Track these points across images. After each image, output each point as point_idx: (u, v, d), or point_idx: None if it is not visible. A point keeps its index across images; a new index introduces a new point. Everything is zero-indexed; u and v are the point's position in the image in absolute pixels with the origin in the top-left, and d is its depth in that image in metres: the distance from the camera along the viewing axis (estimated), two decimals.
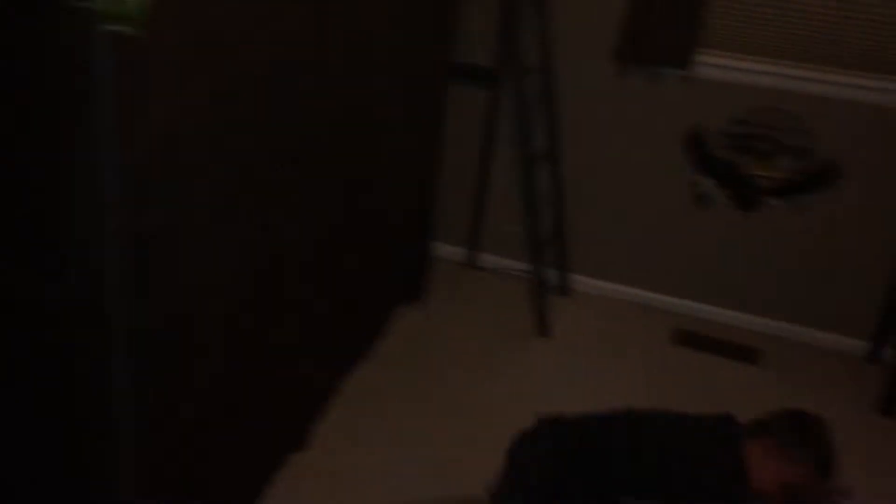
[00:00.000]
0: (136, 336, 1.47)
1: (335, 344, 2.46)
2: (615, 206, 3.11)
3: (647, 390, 2.68)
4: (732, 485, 1.80)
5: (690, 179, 2.95)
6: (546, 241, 3.08)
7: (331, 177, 2.18)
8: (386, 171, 2.51)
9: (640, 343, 2.95)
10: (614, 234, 3.16)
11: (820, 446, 1.79)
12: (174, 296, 1.58)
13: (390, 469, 2.14)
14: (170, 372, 1.64)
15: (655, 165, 2.99)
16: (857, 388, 2.79)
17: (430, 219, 3.04)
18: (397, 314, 2.94)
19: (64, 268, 1.41)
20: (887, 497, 2.29)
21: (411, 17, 2.39)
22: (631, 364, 2.83)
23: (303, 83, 1.87)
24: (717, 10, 2.73)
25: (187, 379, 1.71)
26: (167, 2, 1.27)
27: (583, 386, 2.65)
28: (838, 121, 2.72)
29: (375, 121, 2.33)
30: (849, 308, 2.95)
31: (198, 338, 1.71)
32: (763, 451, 1.79)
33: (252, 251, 1.83)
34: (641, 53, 2.75)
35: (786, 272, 2.98)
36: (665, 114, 2.90)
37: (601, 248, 3.20)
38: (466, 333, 2.92)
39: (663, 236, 3.09)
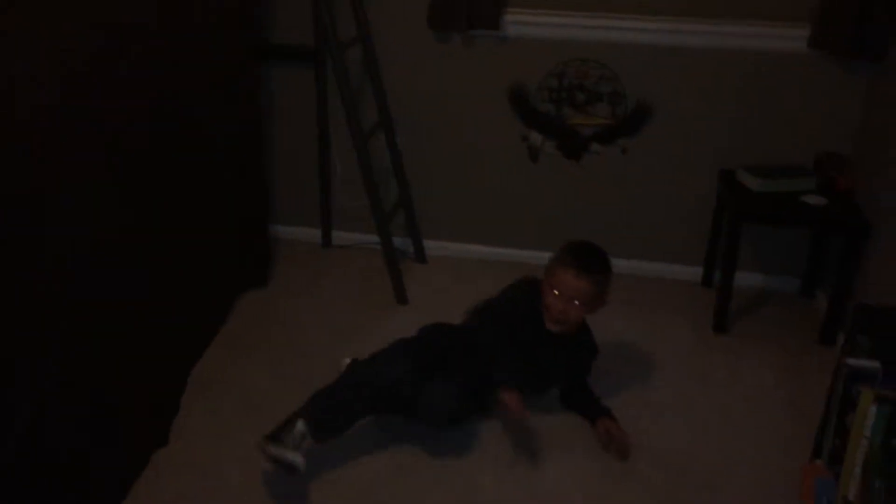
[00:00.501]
0: None
1: (176, 338, 2.45)
2: (455, 168, 3.21)
3: None
4: (532, 322, 2.27)
5: (521, 134, 3.09)
6: (392, 212, 3.15)
7: (149, 173, 2.17)
8: (206, 161, 2.51)
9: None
10: (458, 196, 3.26)
11: (580, 252, 2.24)
12: None
13: (250, 450, 2.17)
14: None
15: (486, 125, 3.10)
16: (693, 311, 2.99)
17: (266, 202, 3.06)
18: (244, 300, 2.96)
19: None
20: (719, 405, 2.49)
21: (205, 5, 2.40)
22: None
23: (101, 78, 1.86)
24: None
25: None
26: None
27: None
28: (645, 64, 2.90)
29: (187, 111, 2.33)
30: (681, 238, 3.16)
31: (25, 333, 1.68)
32: (544, 280, 2.28)
33: (69, 247, 1.82)
34: (451, 19, 2.84)
35: (620, 212, 3.16)
36: (486, 74, 3.01)
37: (448, 211, 3.29)
38: (324, 310, 2.95)
39: (504, 192, 3.21)
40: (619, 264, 3.24)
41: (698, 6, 2.83)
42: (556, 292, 2.22)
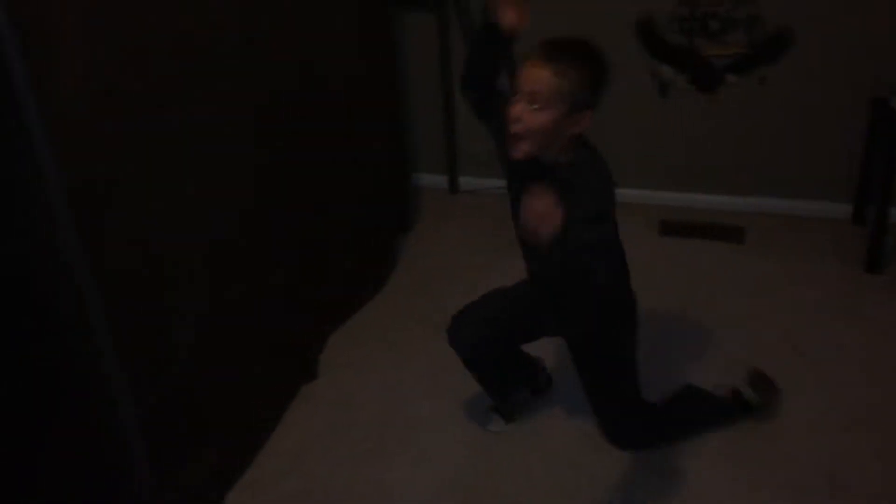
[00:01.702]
0: (107, 282, 1.57)
1: (332, 277, 2.56)
2: None
3: (642, 280, 2.71)
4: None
5: (650, 69, 2.96)
6: None
7: (297, 123, 2.25)
8: (350, 110, 2.58)
9: (628, 238, 2.98)
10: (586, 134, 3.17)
11: (550, 41, 1.68)
12: (141, 237, 1.68)
13: (391, 386, 2.28)
14: (152, 314, 1.75)
15: (612, 59, 2.98)
16: (844, 251, 2.81)
17: (407, 150, 3.11)
18: (391, 245, 3.02)
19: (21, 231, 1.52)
20: (877, 350, 2.34)
21: None
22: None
23: (239, 38, 1.94)
24: None
25: (171, 320, 1.82)
26: None
27: None
28: None
29: (328, 63, 2.39)
30: (828, 173, 2.95)
31: (174, 274, 1.80)
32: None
33: (231, 192, 1.95)
34: None
35: (759, 148, 2.98)
36: (611, 5, 2.89)
37: None
38: (457, 254, 3.00)
39: (634, 130, 3.10)
40: (761, 203, 3.17)
41: None
42: (517, 96, 1.64)
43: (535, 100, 1.60)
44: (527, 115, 1.61)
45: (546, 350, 2.23)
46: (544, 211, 1.44)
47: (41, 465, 1.68)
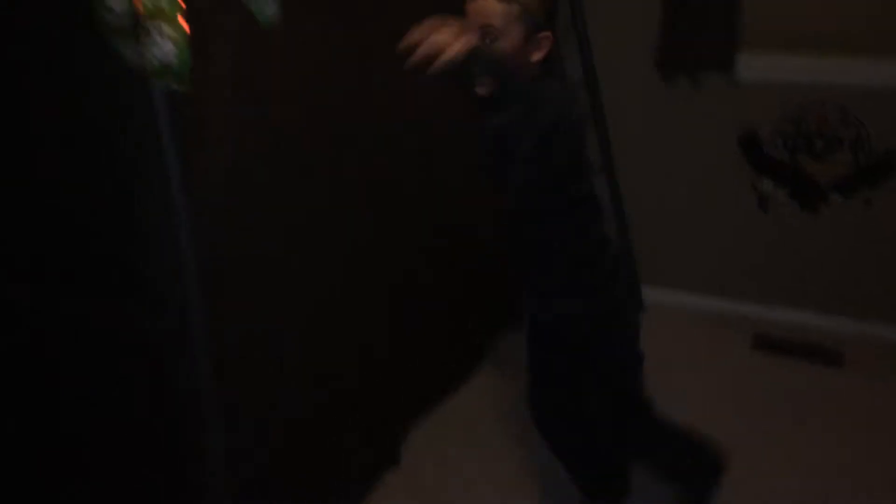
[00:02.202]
0: (220, 357, 1.64)
1: (425, 363, 2.58)
2: (678, 213, 3.13)
3: (732, 397, 2.64)
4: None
5: (751, 181, 2.96)
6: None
7: (413, 205, 2.34)
8: (466, 197, 2.64)
9: (721, 351, 2.92)
10: (682, 242, 3.17)
11: None
12: (252, 315, 1.76)
13: (478, 485, 2.26)
14: (255, 391, 1.81)
15: (714, 170, 3.01)
16: None
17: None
18: (494, 338, 3.01)
19: (151, 300, 1.62)
20: None
21: None
22: (714, 373, 2.79)
23: (373, 120, 2.05)
24: (754, 8, 2.76)
25: (273, 396, 1.87)
26: (214, 60, 1.47)
27: (668, 398, 2.37)
28: (891, 110, 2.68)
29: (448, 152, 2.47)
30: None
31: (280, 356, 1.87)
32: None
33: (339, 272, 2.03)
34: (682, 60, 2.81)
35: (863, 269, 2.91)
36: (715, 117, 2.93)
37: (670, 257, 3.21)
38: None
39: (731, 240, 3.08)
40: (864, 326, 3.07)
41: None
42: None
43: (490, 32, 1.55)
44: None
45: None
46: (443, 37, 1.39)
47: None
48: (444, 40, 1.40)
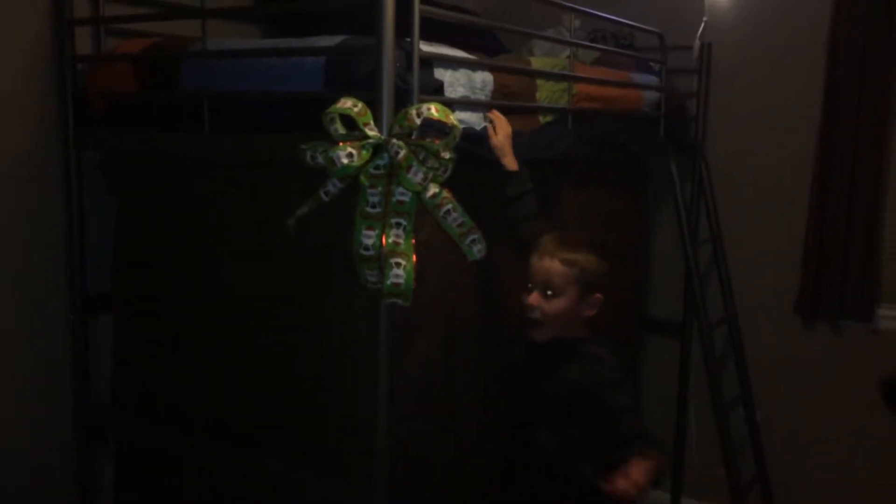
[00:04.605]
0: None
1: None
2: (818, 450, 3.17)
3: None
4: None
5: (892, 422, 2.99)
6: (749, 486, 3.17)
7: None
8: None
9: None
10: (820, 478, 3.18)
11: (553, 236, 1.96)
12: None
13: None
14: None
15: (854, 411, 3.07)
16: None
17: None
18: None
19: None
20: None
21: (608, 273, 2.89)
22: None
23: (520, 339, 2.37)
24: (895, 265, 2.96)
25: None
26: (424, 284, 1.85)
27: None
28: None
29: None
30: None
31: None
32: None
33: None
34: (821, 308, 2.99)
35: None
36: (854, 362, 3.05)
37: (808, 492, 3.20)
38: None
39: (870, 482, 3.07)
40: None
41: None
42: (529, 286, 1.94)
43: (549, 288, 1.89)
44: (543, 304, 1.90)
45: None
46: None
47: None
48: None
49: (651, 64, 3.00)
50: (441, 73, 1.88)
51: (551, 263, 1.90)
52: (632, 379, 2.11)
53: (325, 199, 1.75)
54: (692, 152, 3.17)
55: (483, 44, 2.48)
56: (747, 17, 3.13)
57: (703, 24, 3.10)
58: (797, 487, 3.23)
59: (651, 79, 2.94)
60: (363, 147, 1.67)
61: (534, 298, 1.91)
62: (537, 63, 2.35)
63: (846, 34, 2.83)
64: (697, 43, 3.10)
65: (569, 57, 2.48)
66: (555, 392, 1.93)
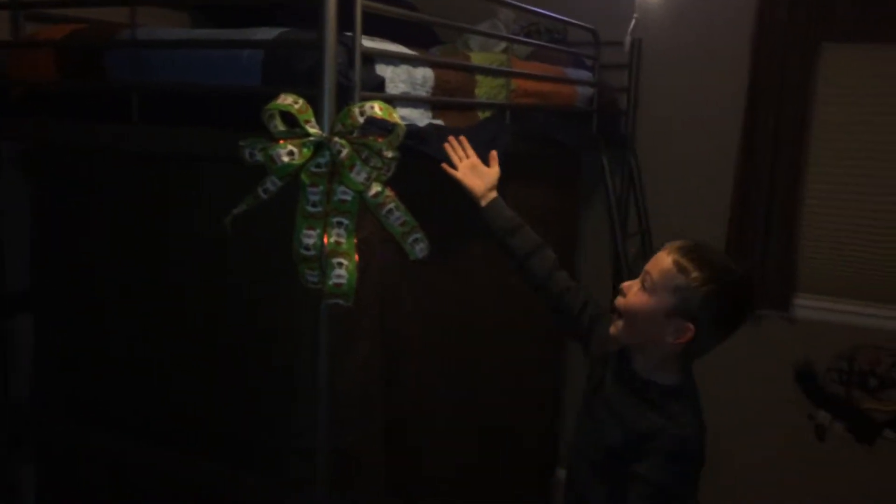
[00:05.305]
0: None
1: None
2: (734, 440, 3.30)
3: None
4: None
5: (808, 412, 3.15)
6: None
7: (479, 411, 2.60)
8: (522, 410, 2.92)
9: None
10: (736, 470, 3.31)
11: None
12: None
13: None
14: None
15: (770, 399, 3.21)
16: None
17: (556, 453, 3.37)
18: None
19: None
20: None
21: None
22: None
23: (461, 337, 2.38)
24: (811, 257, 3.10)
25: None
26: (365, 284, 1.83)
27: None
28: None
29: (511, 364, 2.77)
30: None
31: None
32: None
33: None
34: None
35: None
36: (772, 350, 3.18)
37: (723, 485, 3.33)
38: None
39: (786, 469, 3.22)
40: None
41: None
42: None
43: (647, 280, 1.58)
44: (632, 292, 1.61)
45: None
46: None
47: None
48: None
49: (584, 59, 3.03)
50: (382, 69, 1.85)
51: (665, 257, 1.58)
52: (693, 460, 1.63)
53: (264, 197, 1.71)
54: (622, 147, 3.23)
55: (419, 36, 2.45)
56: (676, 13, 3.21)
57: (633, 21, 3.15)
58: (716, 472, 3.35)
59: (584, 74, 2.97)
60: (304, 145, 1.64)
61: (628, 284, 1.63)
62: (476, 58, 2.35)
63: (769, 31, 2.93)
64: (628, 39, 3.15)
65: (505, 52, 2.49)
66: (600, 429, 1.69)
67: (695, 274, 1.54)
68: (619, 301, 1.63)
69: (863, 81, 2.95)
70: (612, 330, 1.64)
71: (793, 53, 2.91)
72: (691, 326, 1.55)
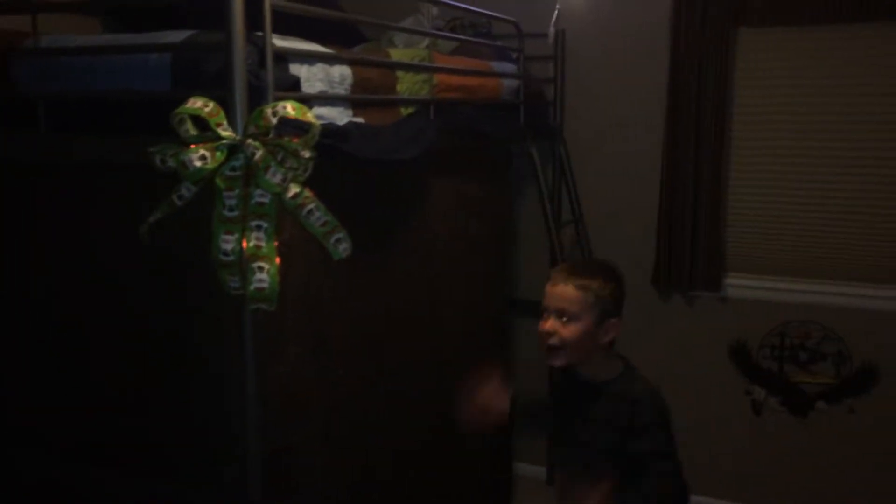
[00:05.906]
0: None
1: None
2: (674, 420, 3.35)
3: None
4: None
5: (745, 388, 3.23)
6: None
7: (419, 406, 2.59)
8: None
9: None
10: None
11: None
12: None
13: None
14: None
15: (707, 377, 3.29)
16: None
17: (510, 439, 3.37)
18: None
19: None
20: None
21: (474, 261, 2.92)
22: None
23: (394, 334, 2.37)
24: (740, 237, 3.18)
25: None
26: (289, 287, 1.81)
27: None
28: (871, 328, 3.00)
29: (449, 358, 2.78)
30: None
31: None
32: None
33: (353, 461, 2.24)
34: (674, 281, 3.17)
35: (853, 472, 3.10)
36: (706, 330, 3.25)
37: None
38: None
39: (725, 444, 3.29)
40: None
41: None
42: (545, 315, 1.89)
43: (564, 314, 1.84)
44: (560, 329, 1.85)
45: None
46: None
47: None
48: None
49: (509, 52, 3.05)
50: (297, 69, 1.82)
51: (565, 289, 1.86)
52: (667, 417, 1.98)
53: (179, 203, 1.68)
54: (551, 137, 3.26)
55: (342, 34, 2.43)
56: (598, 3, 3.25)
57: (556, 12, 3.18)
58: None
59: (509, 67, 2.99)
60: (217, 149, 1.61)
61: (550, 324, 1.86)
62: (397, 54, 2.34)
63: (687, 17, 2.99)
64: (552, 30, 3.18)
65: (428, 47, 2.48)
66: (585, 440, 1.93)
67: (595, 283, 1.86)
68: (554, 341, 1.86)
69: (779, 64, 3.03)
70: (558, 362, 1.91)
71: (710, 40, 2.97)
72: (616, 320, 1.90)
